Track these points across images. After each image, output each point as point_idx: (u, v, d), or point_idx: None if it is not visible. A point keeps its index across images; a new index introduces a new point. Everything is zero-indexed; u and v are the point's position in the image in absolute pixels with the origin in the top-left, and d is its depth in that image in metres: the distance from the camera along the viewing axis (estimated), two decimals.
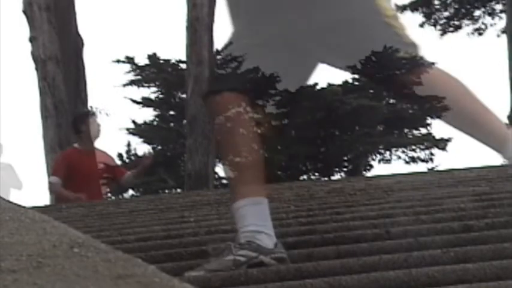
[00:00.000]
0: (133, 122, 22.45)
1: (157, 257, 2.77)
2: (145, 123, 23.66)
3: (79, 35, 12.19)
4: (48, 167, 11.20)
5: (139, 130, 23.26)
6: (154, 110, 24.23)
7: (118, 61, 22.49)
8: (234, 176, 2.55)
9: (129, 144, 23.18)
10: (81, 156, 7.32)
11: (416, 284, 2.12)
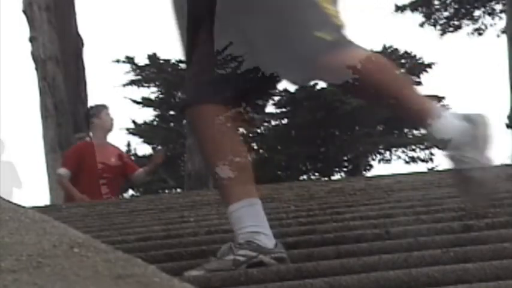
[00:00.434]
0: (134, 122, 22.33)
1: (157, 257, 2.77)
2: (145, 123, 23.67)
3: (79, 35, 12.21)
4: (48, 166, 11.21)
5: (139, 130, 23.29)
6: (154, 110, 24.23)
7: (118, 61, 22.40)
8: (225, 178, 2.53)
9: (129, 144, 23.05)
10: (93, 149, 7.28)
11: (416, 284, 2.12)
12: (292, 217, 3.54)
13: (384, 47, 24.50)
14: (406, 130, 23.42)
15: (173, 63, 22.12)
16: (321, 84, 24.81)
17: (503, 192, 3.80)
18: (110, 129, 7.45)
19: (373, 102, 2.72)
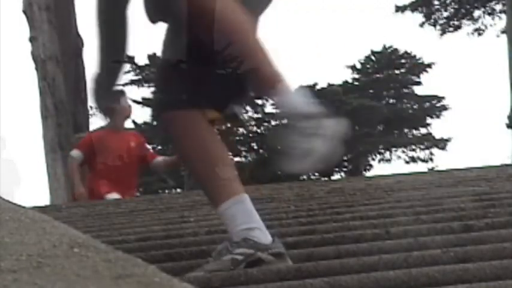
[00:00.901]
0: (134, 122, 22.33)
1: (157, 257, 2.77)
2: (145, 123, 23.76)
3: (79, 35, 12.21)
4: (48, 166, 11.21)
5: (139, 130, 23.43)
6: None
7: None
8: (225, 179, 2.51)
9: None
10: (110, 135, 7.15)
11: (416, 284, 2.12)
12: (292, 217, 3.54)
13: (384, 47, 24.53)
14: (406, 130, 23.43)
15: None
16: (321, 84, 24.78)
17: (503, 192, 3.81)
18: (128, 116, 7.35)
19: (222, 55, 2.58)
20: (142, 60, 22.49)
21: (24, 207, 3.18)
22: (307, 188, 5.00)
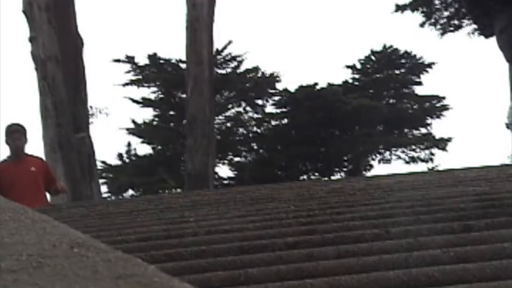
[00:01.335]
0: (134, 122, 22.31)
1: (157, 257, 2.77)
2: (145, 123, 23.62)
3: (79, 35, 12.21)
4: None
5: (139, 130, 23.24)
6: (154, 110, 24.15)
7: (118, 60, 22.33)
8: None
9: (129, 144, 22.99)
10: (8, 166, 7.61)
11: (416, 284, 2.12)
12: (292, 217, 3.54)
13: (384, 47, 24.51)
14: (406, 130, 23.44)
15: (173, 63, 22.14)
16: (321, 84, 24.81)
17: (503, 192, 3.81)
18: (16, 151, 7.67)
19: None
20: (142, 60, 22.50)
21: (24, 207, 3.18)
22: (307, 188, 5.00)
